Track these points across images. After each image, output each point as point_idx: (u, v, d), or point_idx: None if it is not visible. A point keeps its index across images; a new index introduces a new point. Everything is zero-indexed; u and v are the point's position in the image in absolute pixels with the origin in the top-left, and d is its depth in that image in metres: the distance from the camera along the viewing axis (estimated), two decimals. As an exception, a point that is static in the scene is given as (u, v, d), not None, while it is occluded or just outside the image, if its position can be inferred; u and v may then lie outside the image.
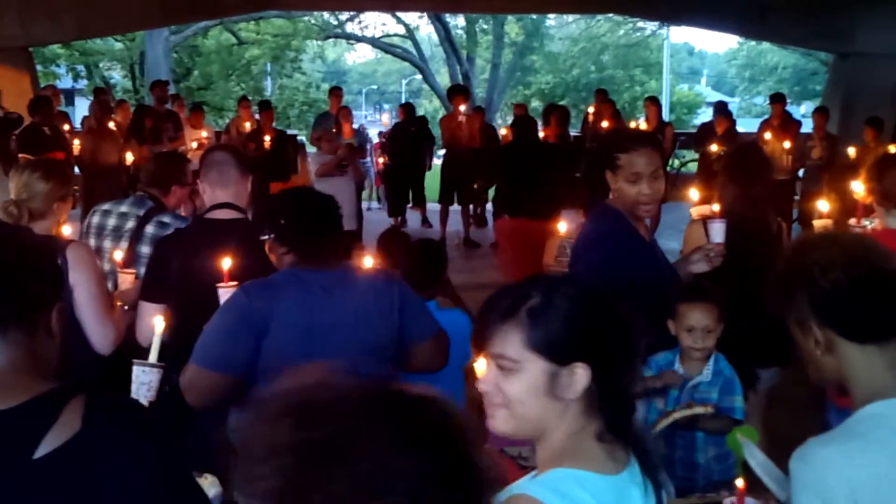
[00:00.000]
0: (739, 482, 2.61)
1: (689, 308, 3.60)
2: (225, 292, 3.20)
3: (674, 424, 3.43)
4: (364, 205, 13.01)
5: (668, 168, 14.32)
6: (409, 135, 12.80)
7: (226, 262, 3.26)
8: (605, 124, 11.80)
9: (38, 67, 18.96)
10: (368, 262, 3.62)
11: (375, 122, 22.21)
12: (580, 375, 1.67)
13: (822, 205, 4.43)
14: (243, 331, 2.94)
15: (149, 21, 17.94)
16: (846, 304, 1.96)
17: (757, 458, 2.54)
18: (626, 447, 1.72)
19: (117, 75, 31.65)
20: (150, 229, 4.18)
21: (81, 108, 24.48)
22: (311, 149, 14.33)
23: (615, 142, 3.77)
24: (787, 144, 10.94)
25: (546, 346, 1.68)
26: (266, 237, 3.15)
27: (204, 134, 12.13)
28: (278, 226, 3.13)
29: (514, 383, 1.69)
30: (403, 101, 21.05)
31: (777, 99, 12.27)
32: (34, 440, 1.47)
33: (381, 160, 13.70)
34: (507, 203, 8.28)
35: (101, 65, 30.03)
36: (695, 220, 4.57)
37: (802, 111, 32.62)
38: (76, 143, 10.60)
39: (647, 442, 1.76)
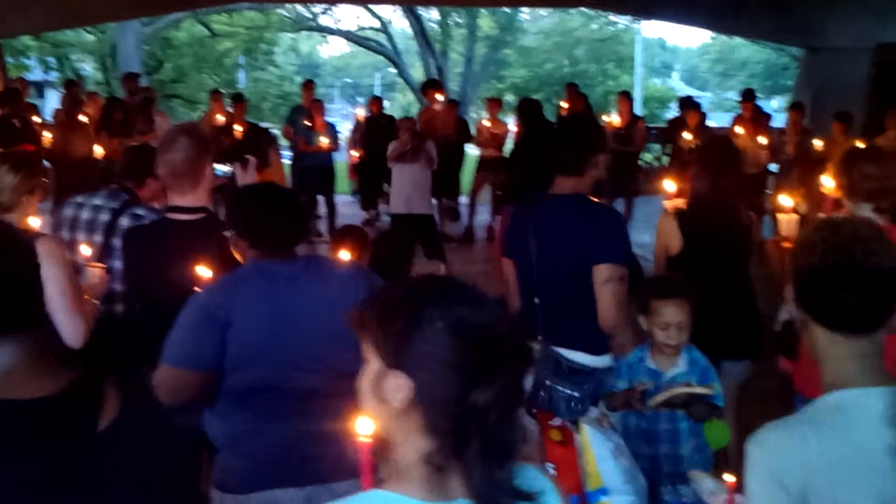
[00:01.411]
0: (729, 477, 2.53)
1: (664, 304, 3.60)
2: None
3: (665, 404, 3.45)
4: (339, 198, 12.96)
5: (640, 162, 14.37)
6: (380, 128, 12.75)
7: (205, 272, 3.25)
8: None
9: (9, 59, 18.75)
10: (345, 255, 3.63)
11: (349, 116, 22.18)
12: (401, 385, 1.55)
13: (785, 199, 4.46)
14: (206, 326, 2.98)
15: (121, 12, 17.80)
16: (813, 289, 1.97)
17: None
18: (464, 480, 1.53)
19: (88, 67, 31.34)
20: (124, 222, 4.14)
21: (52, 101, 24.25)
22: (283, 142, 14.23)
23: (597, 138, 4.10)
24: (763, 140, 11.01)
25: (378, 345, 1.60)
26: (230, 234, 3.20)
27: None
28: (238, 221, 3.18)
29: (363, 374, 1.64)
30: (377, 94, 20.94)
31: (747, 96, 12.45)
32: (94, 417, 1.58)
33: (355, 153, 13.62)
34: (523, 192, 8.05)
35: (72, 57, 29.74)
36: (668, 212, 4.60)
37: (774, 106, 32.84)
38: (47, 135, 10.50)
39: (498, 487, 1.53)
